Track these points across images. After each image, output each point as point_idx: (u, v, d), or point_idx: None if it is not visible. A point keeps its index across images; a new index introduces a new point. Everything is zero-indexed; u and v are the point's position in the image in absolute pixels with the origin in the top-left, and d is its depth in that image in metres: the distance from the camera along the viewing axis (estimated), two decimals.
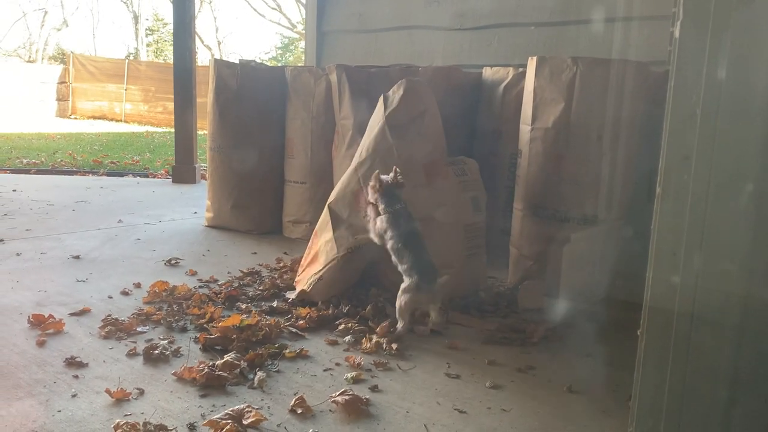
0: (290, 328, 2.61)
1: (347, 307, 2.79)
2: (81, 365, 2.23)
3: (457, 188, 2.99)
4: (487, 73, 3.96)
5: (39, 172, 8.11)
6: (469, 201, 3.03)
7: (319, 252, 2.96)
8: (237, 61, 4.55)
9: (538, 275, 3.14)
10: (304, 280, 2.95)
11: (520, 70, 3.67)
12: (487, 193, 3.16)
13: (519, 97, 3.48)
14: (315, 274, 2.90)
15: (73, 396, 2.01)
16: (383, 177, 2.66)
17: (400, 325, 2.56)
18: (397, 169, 2.67)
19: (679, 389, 1.23)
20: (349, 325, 2.62)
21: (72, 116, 20.15)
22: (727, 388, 1.21)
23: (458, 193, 2.99)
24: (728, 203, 1.18)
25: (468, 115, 3.99)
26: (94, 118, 20.03)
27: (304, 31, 9.22)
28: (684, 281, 1.23)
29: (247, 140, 4.45)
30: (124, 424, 1.79)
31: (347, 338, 2.54)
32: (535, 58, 3.18)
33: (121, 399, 1.98)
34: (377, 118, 3.05)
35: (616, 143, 2.98)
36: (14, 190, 6.04)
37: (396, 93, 3.02)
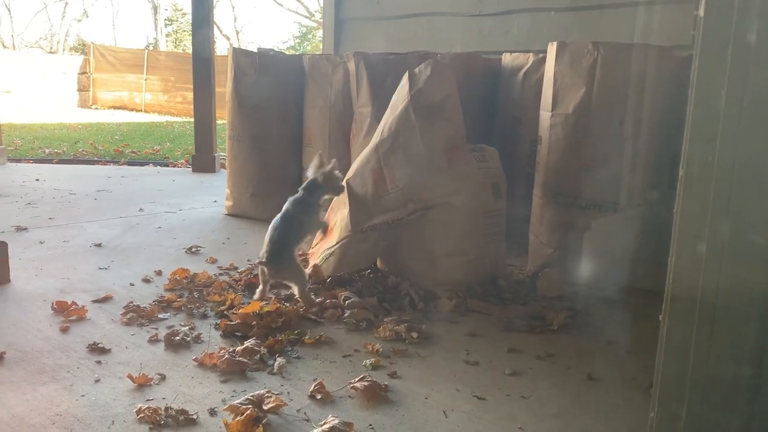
0: (309, 315, 2.63)
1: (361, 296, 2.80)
2: (104, 351, 2.26)
3: (478, 174, 2.96)
4: (507, 59, 3.93)
5: (61, 161, 8.20)
6: (489, 187, 3.00)
7: (334, 227, 2.97)
8: (255, 50, 4.55)
9: (557, 263, 3.12)
10: (318, 254, 2.96)
11: (540, 55, 3.63)
12: (507, 179, 3.14)
13: (539, 84, 3.44)
14: (328, 248, 2.91)
15: (96, 381, 2.04)
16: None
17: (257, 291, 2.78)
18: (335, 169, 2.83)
19: (702, 374, 1.22)
20: (361, 313, 2.63)
21: (93, 106, 20.34)
22: (752, 373, 1.19)
23: (479, 179, 2.96)
24: (754, 186, 1.16)
25: (487, 102, 3.96)
26: (115, 108, 20.20)
27: (321, 20, 9.20)
28: (707, 266, 1.21)
29: (266, 129, 4.47)
30: (146, 408, 1.82)
31: (363, 324, 2.55)
32: (555, 44, 3.14)
33: (143, 384, 2.01)
34: (401, 96, 3.00)
35: (638, 129, 2.94)
36: (37, 180, 6.11)
37: (423, 72, 2.97)
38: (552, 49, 3.16)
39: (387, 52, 4.05)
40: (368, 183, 2.94)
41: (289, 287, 2.79)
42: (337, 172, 2.85)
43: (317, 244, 3.04)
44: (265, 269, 2.71)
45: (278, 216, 2.76)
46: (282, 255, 2.67)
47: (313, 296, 2.74)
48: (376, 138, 3.02)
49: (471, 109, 3.81)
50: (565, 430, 1.83)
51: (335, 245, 2.89)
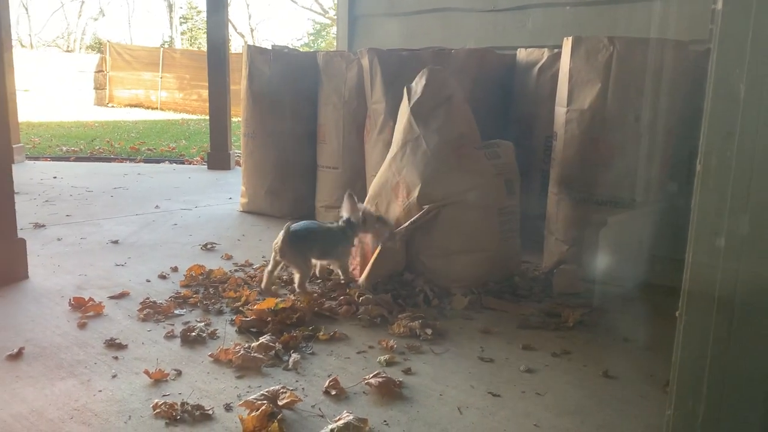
0: (324, 312, 2.63)
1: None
2: (120, 347, 2.28)
3: (489, 171, 2.96)
4: (522, 54, 3.90)
5: (78, 159, 8.27)
6: (502, 184, 2.99)
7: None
8: (270, 47, 4.56)
9: (573, 259, 3.10)
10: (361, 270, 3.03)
11: (555, 51, 3.61)
12: (521, 176, 3.12)
13: (554, 79, 3.42)
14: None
15: (114, 376, 2.06)
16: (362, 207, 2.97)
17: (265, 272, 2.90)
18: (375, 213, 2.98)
19: (720, 371, 1.20)
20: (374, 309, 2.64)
21: (109, 104, 20.50)
22: None
23: (491, 176, 2.96)
24: None
25: (502, 98, 3.94)
26: (131, 106, 20.35)
27: (335, 17, 9.20)
28: (725, 261, 1.19)
29: (280, 126, 4.48)
30: (162, 404, 1.83)
31: (378, 320, 2.55)
32: (570, 39, 3.12)
33: (159, 380, 2.02)
34: (403, 110, 3.10)
35: (654, 124, 2.91)
36: (54, 177, 6.18)
37: (419, 83, 3.07)
38: (567, 44, 3.13)
39: (401, 48, 4.04)
40: (390, 199, 3.07)
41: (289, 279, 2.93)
42: (372, 210, 3.00)
43: (354, 268, 3.09)
44: (280, 243, 2.76)
45: (323, 224, 3.03)
46: (303, 241, 2.80)
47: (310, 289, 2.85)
48: (390, 154, 3.12)
49: (485, 105, 3.81)
50: (581, 427, 1.81)
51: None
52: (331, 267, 3.07)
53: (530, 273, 3.22)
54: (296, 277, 2.83)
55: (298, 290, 2.80)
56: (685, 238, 1.29)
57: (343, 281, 2.95)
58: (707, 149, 1.21)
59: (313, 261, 2.94)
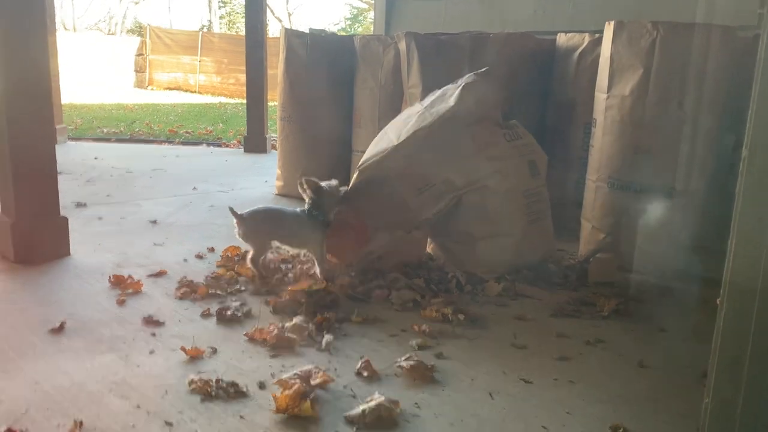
0: (357, 295, 2.64)
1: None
2: (158, 324, 2.33)
3: (511, 153, 2.91)
4: (562, 39, 3.84)
5: (118, 140, 8.43)
6: (525, 165, 2.94)
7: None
8: (307, 31, 4.57)
9: (610, 248, 3.06)
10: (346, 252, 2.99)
11: (597, 36, 3.53)
12: (558, 163, 3.07)
13: (594, 65, 3.35)
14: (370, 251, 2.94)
15: (151, 352, 2.11)
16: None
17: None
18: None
19: (761, 360, 1.18)
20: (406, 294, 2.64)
21: (149, 87, 20.79)
22: None
23: (513, 158, 2.91)
24: None
25: (541, 83, 3.88)
26: (170, 89, 20.61)
27: (373, 1, 9.16)
28: None
29: (316, 110, 4.49)
30: (198, 380, 1.87)
31: (410, 305, 2.56)
32: (612, 23, 3.05)
33: (195, 357, 2.06)
34: (415, 110, 3.02)
35: (697, 111, 2.83)
36: (96, 158, 6.31)
37: (432, 95, 3.04)
38: (609, 29, 3.07)
39: (439, 32, 4.00)
40: (395, 189, 2.87)
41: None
42: (335, 184, 2.85)
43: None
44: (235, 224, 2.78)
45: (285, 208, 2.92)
46: (260, 222, 2.79)
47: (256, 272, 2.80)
48: (392, 141, 2.90)
49: (524, 90, 3.76)
50: (614, 416, 1.80)
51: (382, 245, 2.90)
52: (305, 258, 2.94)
53: (566, 261, 3.18)
54: (250, 253, 2.80)
55: (248, 264, 2.79)
56: (726, 228, 1.26)
57: (314, 273, 2.80)
58: (753, 136, 1.17)
59: (279, 245, 2.91)
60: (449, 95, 2.94)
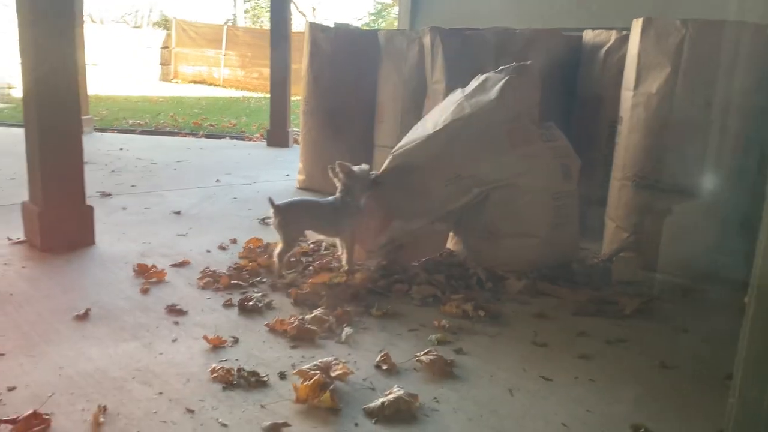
0: (377, 289, 2.65)
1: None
2: (181, 312, 2.36)
3: (545, 154, 2.89)
4: (588, 36, 3.80)
5: (143, 132, 8.52)
6: (558, 168, 2.91)
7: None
8: (331, 25, 4.57)
9: (634, 247, 3.03)
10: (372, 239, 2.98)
11: (624, 32, 3.50)
12: (583, 162, 3.04)
13: (621, 62, 3.32)
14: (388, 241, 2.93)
15: (174, 340, 2.13)
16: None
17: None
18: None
19: None
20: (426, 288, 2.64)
21: (174, 80, 20.93)
22: None
23: (547, 159, 2.88)
24: None
25: (566, 80, 3.85)
26: (194, 82, 20.73)
27: None
28: None
29: (340, 104, 4.50)
30: (219, 368, 1.89)
31: (430, 300, 2.55)
32: (640, 20, 3.02)
33: (217, 346, 2.09)
34: (454, 99, 2.99)
35: (727, 110, 2.79)
36: (121, 149, 6.38)
37: (474, 83, 3.00)
38: (637, 26, 3.03)
39: (464, 28, 3.98)
40: (424, 178, 2.84)
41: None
42: (366, 168, 2.84)
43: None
44: (272, 213, 2.75)
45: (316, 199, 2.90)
46: (295, 212, 2.76)
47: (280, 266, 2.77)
48: (425, 132, 2.91)
49: (549, 87, 3.71)
50: (634, 416, 1.78)
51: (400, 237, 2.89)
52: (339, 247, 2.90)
53: (588, 260, 3.15)
54: (278, 247, 2.77)
55: (273, 258, 2.77)
56: (754, 228, 1.24)
57: (342, 265, 2.80)
58: None
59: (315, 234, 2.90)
60: (491, 86, 2.91)
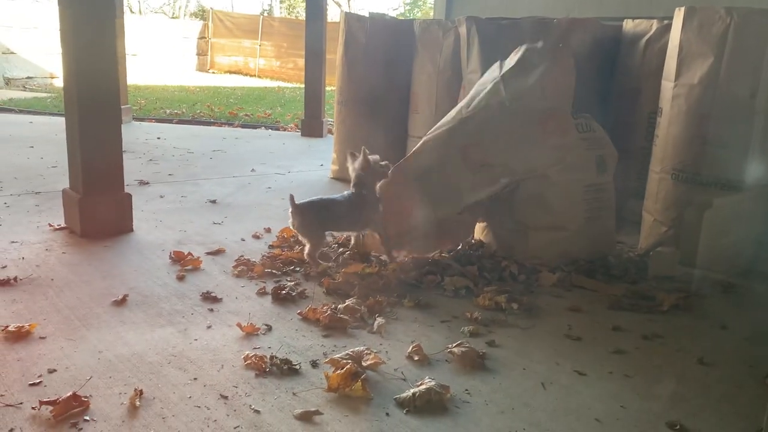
0: (409, 280, 2.64)
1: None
2: (215, 300, 2.39)
3: (578, 145, 2.83)
4: (628, 25, 3.72)
5: (180, 121, 8.64)
6: (593, 160, 2.86)
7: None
8: (367, 15, 4.56)
9: (672, 241, 2.97)
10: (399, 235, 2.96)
11: (665, 22, 3.42)
12: (620, 154, 2.98)
13: (662, 52, 3.24)
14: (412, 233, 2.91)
15: (208, 327, 2.16)
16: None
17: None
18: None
19: None
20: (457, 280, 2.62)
21: (210, 70, 21.16)
22: None
23: (580, 150, 2.83)
24: None
25: (605, 71, 3.78)
26: (230, 72, 20.93)
27: None
28: None
29: (374, 94, 4.49)
30: (252, 356, 1.91)
31: (462, 292, 2.54)
32: (683, 9, 2.94)
33: (250, 333, 2.11)
34: (492, 76, 2.93)
35: None
36: (158, 138, 6.48)
37: (513, 57, 2.93)
38: (679, 15, 2.96)
39: (500, 17, 3.94)
40: (454, 164, 2.79)
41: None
42: (377, 158, 2.80)
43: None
44: (291, 215, 2.74)
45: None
46: (315, 212, 2.73)
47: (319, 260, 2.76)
48: (458, 116, 2.86)
49: (587, 77, 3.65)
50: (670, 413, 1.75)
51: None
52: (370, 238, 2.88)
53: (625, 254, 3.10)
54: (306, 247, 2.74)
55: (306, 258, 2.74)
56: None
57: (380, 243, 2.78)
58: None
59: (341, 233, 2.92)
60: (529, 70, 2.84)
